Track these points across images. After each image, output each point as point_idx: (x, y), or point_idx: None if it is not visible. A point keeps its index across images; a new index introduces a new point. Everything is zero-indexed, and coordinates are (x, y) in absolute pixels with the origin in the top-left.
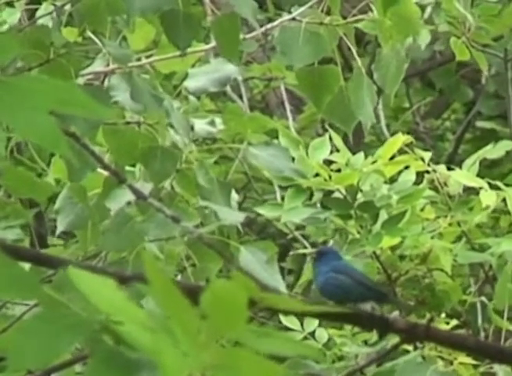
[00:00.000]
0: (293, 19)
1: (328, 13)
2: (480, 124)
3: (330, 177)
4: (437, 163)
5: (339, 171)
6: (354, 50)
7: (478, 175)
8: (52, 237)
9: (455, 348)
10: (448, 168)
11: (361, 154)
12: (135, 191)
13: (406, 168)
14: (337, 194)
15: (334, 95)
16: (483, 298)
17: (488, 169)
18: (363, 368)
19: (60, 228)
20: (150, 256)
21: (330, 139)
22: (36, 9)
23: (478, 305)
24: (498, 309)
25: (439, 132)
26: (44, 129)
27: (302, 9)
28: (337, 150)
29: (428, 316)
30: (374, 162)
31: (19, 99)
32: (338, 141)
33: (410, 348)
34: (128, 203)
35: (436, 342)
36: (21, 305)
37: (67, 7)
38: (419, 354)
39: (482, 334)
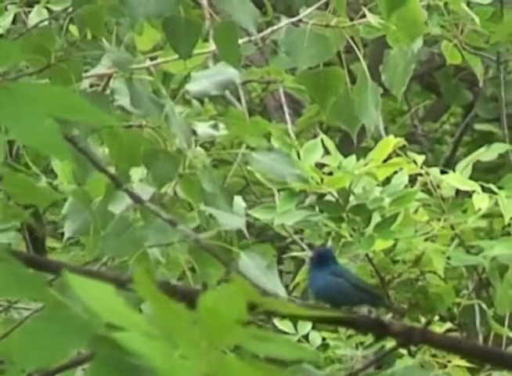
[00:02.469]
0: (300, 20)
1: (334, 15)
2: (478, 126)
3: (322, 180)
4: (435, 166)
5: (331, 174)
6: (360, 53)
7: (476, 179)
8: (52, 239)
9: (451, 352)
10: (444, 172)
11: (353, 157)
12: (131, 195)
13: (399, 170)
14: (329, 197)
15: (339, 96)
16: (480, 303)
17: (486, 173)
18: (360, 371)
19: (67, 234)
20: (141, 268)
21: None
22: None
23: (476, 309)
24: (499, 314)
25: (437, 135)
26: (45, 135)
27: (309, 10)
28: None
29: (424, 319)
30: (366, 165)
31: (21, 106)
32: (330, 144)
33: (405, 352)
34: (134, 208)
35: (432, 346)
36: (24, 309)
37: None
38: (419, 360)
39: (480, 338)
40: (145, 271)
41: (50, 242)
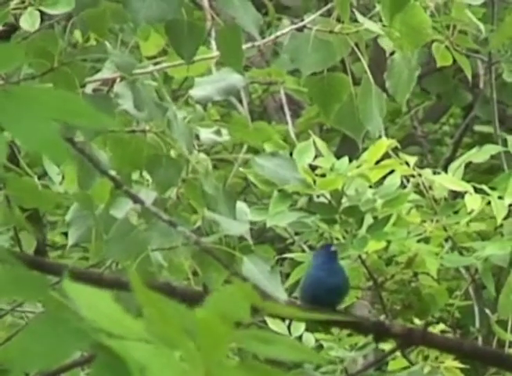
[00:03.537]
0: (304, 26)
1: (339, 21)
2: (478, 128)
3: (315, 182)
4: (434, 167)
5: (324, 176)
6: (364, 60)
7: (475, 181)
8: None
9: (451, 353)
10: (438, 173)
11: (345, 159)
12: (132, 196)
13: (392, 172)
14: (322, 199)
15: (343, 103)
16: (480, 304)
17: (486, 174)
18: (360, 373)
19: (71, 241)
20: (135, 273)
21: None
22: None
23: (476, 311)
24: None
25: (437, 136)
26: (46, 138)
27: (313, 16)
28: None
29: (418, 320)
30: (359, 166)
31: (22, 108)
32: (322, 146)
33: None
34: (138, 214)
35: (432, 347)
36: (31, 313)
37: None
38: (423, 365)
39: (480, 340)
40: (141, 276)
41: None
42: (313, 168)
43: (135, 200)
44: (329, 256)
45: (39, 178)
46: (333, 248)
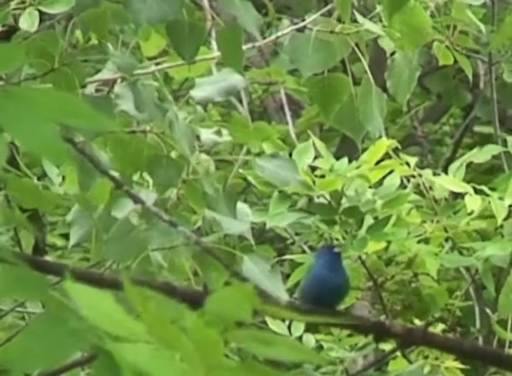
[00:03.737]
0: (305, 26)
1: (339, 21)
2: (478, 128)
3: (314, 182)
4: (435, 167)
5: (323, 176)
6: (365, 61)
7: (475, 182)
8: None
9: (451, 353)
10: (438, 173)
11: (344, 159)
12: (133, 197)
13: (392, 172)
14: (321, 200)
15: (343, 103)
16: (480, 304)
17: (486, 174)
18: (360, 373)
19: (73, 241)
20: (128, 281)
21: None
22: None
23: (477, 311)
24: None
25: (437, 137)
26: (46, 140)
27: (314, 16)
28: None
29: (418, 321)
30: (358, 167)
31: (22, 109)
32: (321, 147)
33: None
34: (139, 215)
35: (432, 347)
36: (29, 313)
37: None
38: (422, 364)
39: (480, 340)
40: (141, 276)
41: (52, 237)
42: (313, 168)
43: (136, 200)
44: (333, 256)
45: (38, 179)
46: (337, 249)
